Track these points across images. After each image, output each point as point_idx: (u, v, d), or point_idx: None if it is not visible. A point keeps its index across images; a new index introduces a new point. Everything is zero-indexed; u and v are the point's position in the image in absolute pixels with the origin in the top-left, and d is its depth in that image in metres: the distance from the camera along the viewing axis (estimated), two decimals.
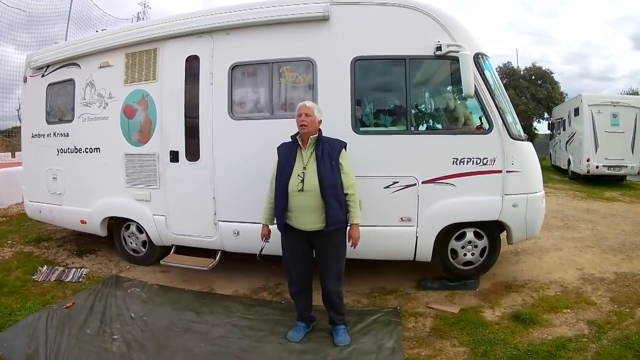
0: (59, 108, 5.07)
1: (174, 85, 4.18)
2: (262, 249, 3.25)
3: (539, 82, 23.13)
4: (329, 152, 2.92)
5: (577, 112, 12.54)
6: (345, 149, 3.02)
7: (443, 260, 4.05)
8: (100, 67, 4.58)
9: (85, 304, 3.81)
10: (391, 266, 4.29)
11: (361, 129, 3.78)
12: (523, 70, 23.76)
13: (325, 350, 3.05)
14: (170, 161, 4.21)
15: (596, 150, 11.68)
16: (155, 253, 4.67)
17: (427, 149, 3.72)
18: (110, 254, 5.18)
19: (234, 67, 3.97)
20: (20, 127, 6.68)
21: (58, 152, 4.99)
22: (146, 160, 4.37)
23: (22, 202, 6.07)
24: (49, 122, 5.10)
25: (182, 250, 4.46)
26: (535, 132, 22.07)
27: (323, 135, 3.02)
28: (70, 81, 4.84)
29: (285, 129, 3.64)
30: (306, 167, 2.91)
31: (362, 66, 3.76)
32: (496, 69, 4.00)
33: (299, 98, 3.84)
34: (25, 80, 5.41)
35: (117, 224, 4.88)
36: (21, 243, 5.85)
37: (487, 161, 3.70)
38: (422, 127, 4.05)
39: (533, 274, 4.42)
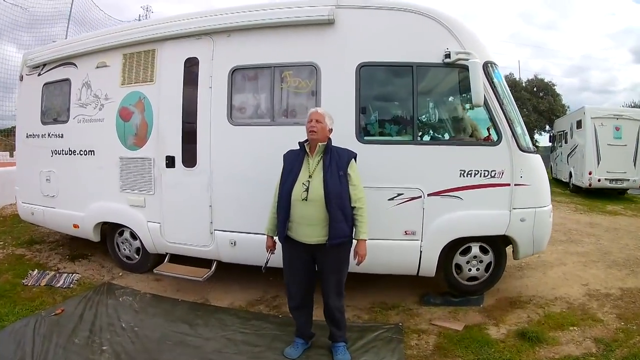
0: (54, 108, 4.97)
1: (171, 88, 4.05)
2: (267, 261, 3.08)
3: (541, 94, 23.18)
4: (337, 161, 2.79)
5: (579, 124, 12.47)
6: (355, 160, 2.88)
7: (447, 275, 3.91)
8: (97, 68, 4.47)
9: (75, 311, 3.69)
10: (393, 280, 4.15)
11: (365, 138, 3.64)
12: (525, 82, 23.80)
13: None
14: (166, 166, 4.07)
15: (598, 163, 11.62)
16: (149, 260, 4.53)
17: (433, 160, 3.59)
18: (104, 259, 5.06)
19: (234, 71, 3.84)
20: None
21: (52, 153, 4.88)
22: (141, 165, 4.24)
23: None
24: (43, 123, 5.00)
25: (177, 258, 4.31)
26: (537, 144, 22.08)
27: (332, 144, 2.88)
28: (66, 81, 4.73)
29: (286, 136, 3.53)
30: (312, 176, 2.77)
31: (367, 73, 3.62)
32: None
33: (302, 104, 3.74)
34: (21, 78, 5.33)
35: (110, 230, 4.75)
36: (13, 245, 5.75)
37: (495, 174, 3.58)
38: (429, 137, 3.92)
39: (538, 290, 4.33)
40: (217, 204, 3.94)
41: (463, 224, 3.62)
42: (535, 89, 23.64)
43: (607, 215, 9.11)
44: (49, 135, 4.91)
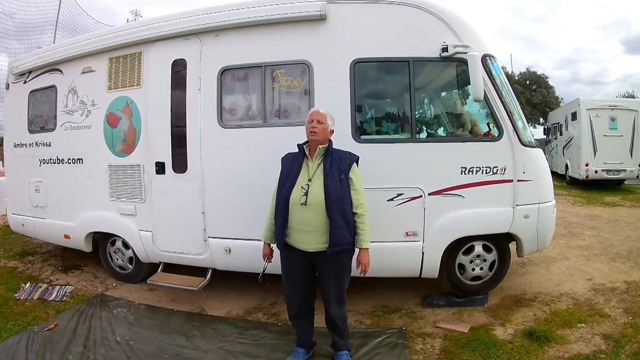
0: (41, 116, 4.83)
1: (159, 92, 3.90)
2: (264, 270, 2.94)
3: (534, 87, 23.16)
4: (338, 164, 2.66)
5: (574, 116, 12.47)
6: (357, 164, 2.76)
7: (450, 275, 3.80)
8: (83, 73, 4.32)
9: (69, 325, 3.57)
10: (394, 282, 4.04)
11: (362, 137, 3.52)
12: (517, 76, 23.79)
13: None
14: (156, 173, 3.94)
15: (595, 155, 11.62)
16: (142, 270, 4.40)
17: (433, 158, 3.47)
18: (97, 269, 4.93)
19: (223, 71, 3.70)
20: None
21: (40, 162, 4.74)
22: (131, 172, 4.10)
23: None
24: (31, 131, 4.85)
25: (172, 267, 4.18)
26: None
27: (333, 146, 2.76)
28: (52, 88, 4.58)
29: (279, 137, 3.44)
30: (312, 179, 2.63)
31: (362, 69, 3.50)
32: None
33: (294, 104, 3.62)
34: (7, 87, 5.18)
35: (102, 239, 4.61)
36: (5, 257, 5.62)
37: (498, 170, 3.48)
38: (428, 135, 3.80)
39: (542, 286, 4.26)
40: (210, 210, 3.80)
41: (466, 223, 3.52)
42: (528, 82, 23.64)
43: (606, 207, 9.13)
44: (36, 144, 4.77)
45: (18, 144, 4.99)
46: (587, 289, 4.17)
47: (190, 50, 3.79)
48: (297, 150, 2.79)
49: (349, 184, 2.65)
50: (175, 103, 3.86)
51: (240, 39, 3.66)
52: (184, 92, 3.82)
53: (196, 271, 4.06)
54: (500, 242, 3.78)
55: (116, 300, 4.09)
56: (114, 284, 4.55)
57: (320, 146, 2.70)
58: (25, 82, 4.86)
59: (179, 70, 3.85)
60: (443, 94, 4.04)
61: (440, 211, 3.47)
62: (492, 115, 3.50)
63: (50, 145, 4.64)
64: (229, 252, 3.77)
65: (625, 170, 11.63)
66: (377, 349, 3.13)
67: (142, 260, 4.30)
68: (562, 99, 22.65)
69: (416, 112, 3.60)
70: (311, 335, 2.99)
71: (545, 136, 16.42)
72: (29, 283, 4.52)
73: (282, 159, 2.83)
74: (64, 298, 4.18)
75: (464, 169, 3.44)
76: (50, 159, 4.65)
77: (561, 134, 14.08)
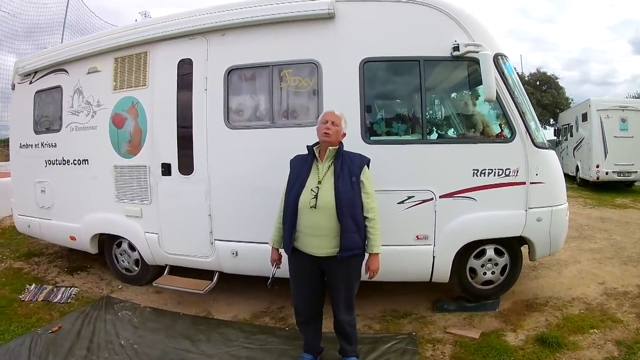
0: (47, 117, 4.80)
1: (165, 92, 3.85)
2: (273, 276, 2.87)
3: (544, 87, 22.96)
4: (349, 166, 2.58)
5: (585, 117, 12.32)
6: (368, 166, 2.68)
7: (461, 280, 3.72)
8: (88, 73, 4.28)
9: (73, 328, 3.53)
10: (403, 286, 3.95)
11: (372, 138, 3.44)
12: (528, 76, 23.59)
13: None
14: (162, 174, 3.89)
15: (605, 156, 11.46)
16: (149, 272, 4.36)
17: (444, 159, 3.39)
18: (103, 271, 4.90)
19: (230, 71, 3.64)
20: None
21: (46, 163, 4.72)
22: (136, 173, 4.05)
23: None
24: (36, 132, 4.83)
25: (178, 270, 4.13)
26: None
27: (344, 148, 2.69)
28: (58, 88, 4.55)
29: (287, 138, 3.39)
30: (321, 182, 2.56)
31: (371, 69, 3.43)
32: None
33: (302, 105, 3.56)
34: (13, 87, 5.17)
35: (108, 241, 4.57)
36: (11, 258, 5.62)
37: (510, 172, 3.40)
38: (439, 136, 3.73)
39: (554, 290, 4.18)
40: (217, 212, 3.75)
41: (477, 226, 3.44)
42: (538, 83, 23.46)
43: (617, 209, 9.00)
44: (42, 144, 4.75)
45: (24, 145, 4.97)
46: (599, 293, 4.10)
47: (196, 49, 3.73)
48: (306, 151, 2.72)
49: (360, 186, 2.57)
50: (182, 103, 3.81)
51: (247, 38, 3.60)
52: (190, 93, 3.76)
53: (203, 274, 4.01)
54: (512, 246, 3.70)
55: (121, 303, 4.05)
56: (119, 286, 4.52)
57: (330, 148, 2.63)
58: (31, 83, 4.83)
59: (185, 70, 3.80)
60: (454, 94, 3.96)
61: (452, 214, 3.40)
62: (504, 115, 3.43)
63: (55, 146, 4.61)
64: (236, 255, 3.71)
65: (636, 171, 11.46)
66: (386, 355, 3.06)
67: (148, 263, 4.26)
68: (572, 100, 22.47)
69: (427, 113, 3.53)
70: (319, 341, 2.92)
71: (555, 137, 16.29)
72: (34, 284, 4.51)
73: (291, 161, 2.76)
74: (69, 300, 4.16)
75: (475, 171, 3.36)
76: (56, 160, 4.62)
77: (572, 135, 13.91)
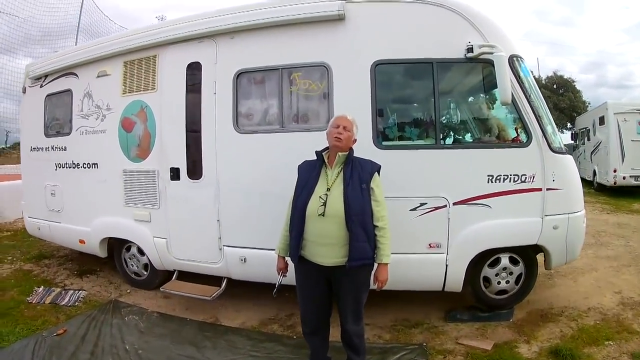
0: (57, 120, 4.82)
1: (174, 96, 3.82)
2: (279, 285, 2.81)
3: (561, 91, 22.68)
4: (359, 173, 2.50)
5: (602, 120, 12.12)
6: (379, 173, 2.60)
7: (475, 289, 3.62)
8: (98, 77, 4.29)
9: (78, 331, 3.51)
10: (416, 294, 3.84)
11: (384, 143, 3.36)
12: (544, 80, 23.31)
13: None
14: (171, 179, 3.85)
15: (623, 160, 11.26)
16: (157, 277, 4.33)
17: (458, 165, 3.29)
18: (112, 275, 4.90)
19: (239, 75, 3.59)
20: None
21: (56, 167, 4.74)
22: (145, 178, 4.03)
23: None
24: (47, 135, 4.87)
25: (187, 275, 4.10)
26: None
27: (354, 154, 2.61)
28: (68, 92, 4.57)
29: (297, 143, 3.32)
30: (330, 189, 2.48)
31: (383, 71, 3.34)
32: None
33: (313, 108, 3.49)
34: (24, 90, 5.20)
35: (117, 245, 4.56)
36: (22, 260, 5.67)
37: (526, 178, 3.29)
38: (453, 140, 3.62)
39: (570, 300, 4.05)
40: (226, 218, 3.70)
41: (492, 234, 3.33)
42: (555, 86, 23.18)
43: (634, 215, 8.79)
44: (52, 148, 4.77)
45: (34, 148, 5.00)
46: (615, 302, 3.98)
47: (205, 53, 3.69)
48: (315, 157, 2.65)
49: (370, 194, 2.49)
50: (191, 107, 3.78)
51: (256, 41, 3.55)
52: (199, 96, 3.73)
53: (211, 279, 3.96)
54: (528, 254, 3.58)
55: (129, 307, 4.03)
56: (128, 290, 4.50)
57: (340, 153, 2.55)
58: (41, 86, 4.86)
59: (194, 73, 3.77)
60: (468, 97, 3.85)
61: (466, 222, 3.29)
62: (520, 119, 3.32)
63: (65, 149, 4.63)
64: (245, 261, 3.66)
65: None
66: None
67: (156, 268, 4.23)
68: (589, 104, 22.15)
69: (440, 117, 3.44)
70: (326, 351, 2.84)
71: (573, 141, 16.03)
72: (42, 286, 4.53)
73: (299, 166, 2.69)
74: (76, 303, 4.15)
75: (490, 177, 3.26)
76: (66, 164, 4.63)
77: (589, 139, 13.69)
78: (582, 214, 3.56)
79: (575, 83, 23.57)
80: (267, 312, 3.87)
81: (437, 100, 3.29)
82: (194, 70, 3.77)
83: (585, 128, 14.22)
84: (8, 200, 7.98)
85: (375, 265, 2.55)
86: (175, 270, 4.12)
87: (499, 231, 3.32)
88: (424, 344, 3.26)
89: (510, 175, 3.27)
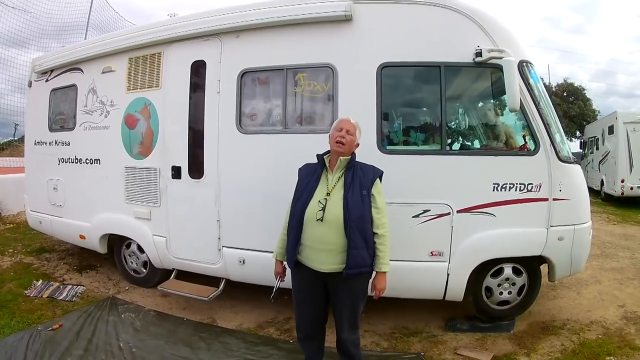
0: (62, 115, 4.81)
1: (178, 94, 3.80)
2: (276, 289, 2.77)
3: (571, 99, 22.52)
4: (360, 178, 2.44)
5: (611, 130, 12.00)
6: (381, 180, 2.53)
7: (476, 299, 3.54)
8: (103, 73, 4.27)
9: (73, 327, 3.50)
10: (416, 302, 3.79)
11: (388, 147, 3.30)
12: (555, 87, 23.15)
13: None
14: (172, 177, 3.83)
15: (631, 171, 11.11)
16: (156, 275, 4.31)
17: (464, 172, 3.22)
18: (112, 271, 4.89)
19: (243, 74, 3.55)
20: None
21: (59, 161, 4.73)
22: (147, 175, 4.01)
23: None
24: (51, 130, 4.86)
25: (186, 274, 4.07)
26: None
27: (357, 159, 2.56)
28: (73, 87, 4.56)
29: (300, 145, 3.26)
30: (330, 193, 2.42)
31: (389, 74, 3.28)
32: None
33: (317, 110, 3.44)
34: (30, 84, 5.22)
35: (117, 242, 4.55)
36: (22, 253, 5.68)
37: (532, 187, 3.21)
38: (459, 147, 3.57)
39: (572, 312, 3.98)
40: (226, 218, 3.66)
41: (496, 244, 3.26)
42: (565, 94, 23.02)
43: None
44: (56, 142, 4.77)
45: (38, 142, 5.01)
46: (618, 316, 3.90)
47: (210, 51, 3.66)
48: (316, 160, 2.59)
49: (371, 200, 2.43)
50: (194, 106, 3.75)
51: (261, 40, 3.50)
52: (202, 95, 3.69)
53: (210, 280, 3.93)
54: (532, 265, 3.51)
55: (126, 305, 4.01)
56: (126, 288, 4.49)
57: (341, 158, 2.49)
58: (47, 81, 4.86)
59: (198, 72, 3.74)
60: (476, 102, 3.78)
61: (469, 230, 3.23)
62: (528, 127, 3.24)
63: (69, 144, 4.62)
64: (243, 263, 3.62)
65: None
66: None
67: (155, 266, 4.21)
68: (599, 112, 21.97)
69: (447, 122, 3.37)
70: (321, 358, 2.77)
71: (581, 150, 15.88)
72: (41, 280, 4.53)
73: (300, 169, 2.64)
74: (74, 298, 4.15)
75: (496, 186, 3.19)
76: (69, 158, 4.63)
77: (597, 148, 13.56)
78: (588, 225, 3.49)
79: (585, 91, 23.44)
80: (265, 315, 3.83)
81: (444, 105, 3.22)
82: (198, 68, 3.73)
83: (594, 137, 14.08)
84: (12, 193, 8.00)
85: (374, 273, 2.49)
86: (174, 269, 4.09)
87: (503, 241, 3.25)
88: (422, 354, 3.21)
89: (517, 184, 3.20)
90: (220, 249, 3.72)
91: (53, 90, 4.80)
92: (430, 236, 3.24)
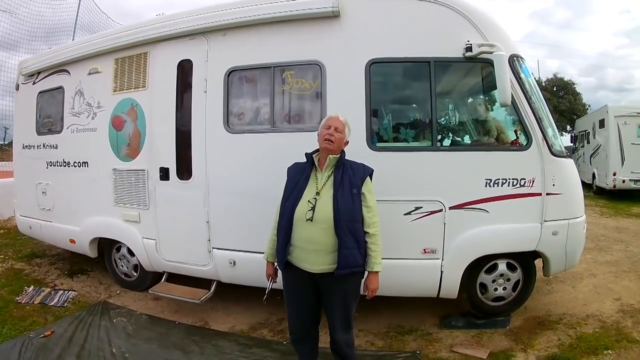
0: (49, 118, 4.74)
1: (164, 94, 3.74)
2: (268, 291, 2.73)
3: (561, 93, 22.63)
4: (350, 177, 2.40)
5: (602, 123, 12.03)
6: (371, 178, 2.50)
7: (471, 296, 3.52)
8: (89, 74, 4.21)
9: (65, 333, 3.45)
10: (411, 300, 3.74)
11: (378, 144, 3.26)
12: (544, 82, 23.24)
13: None
14: (160, 179, 3.77)
15: (622, 164, 11.14)
16: (147, 278, 4.25)
17: (455, 168, 3.19)
18: (103, 275, 4.83)
19: (230, 73, 3.49)
20: None
21: (48, 165, 4.67)
22: (135, 177, 3.95)
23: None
24: (39, 133, 4.80)
25: (177, 276, 4.01)
26: None
27: (346, 157, 2.51)
28: (60, 89, 4.50)
29: (288, 144, 3.23)
30: (320, 193, 2.38)
31: (378, 70, 3.24)
32: None
33: (305, 108, 3.40)
34: (17, 87, 5.14)
35: (107, 245, 4.49)
36: (13, 258, 5.61)
37: (525, 182, 3.19)
38: (450, 142, 3.52)
39: (568, 306, 3.97)
40: (215, 219, 3.61)
41: (489, 240, 3.23)
42: (555, 89, 23.12)
43: (634, 219, 8.71)
44: (44, 146, 4.70)
45: (26, 146, 4.94)
46: (614, 310, 3.89)
47: (196, 50, 3.60)
48: (305, 159, 2.55)
49: (361, 199, 2.39)
50: (181, 106, 3.70)
51: (248, 38, 3.45)
52: (189, 95, 3.64)
53: (202, 282, 3.88)
54: (526, 260, 3.49)
55: (118, 309, 3.96)
56: (118, 292, 4.43)
57: (330, 156, 2.45)
58: (34, 83, 4.80)
59: (185, 71, 3.68)
60: (467, 97, 3.75)
61: (462, 227, 3.19)
62: (520, 122, 3.22)
63: (57, 147, 4.56)
64: (234, 264, 3.57)
65: None
66: None
67: (145, 269, 4.15)
68: (589, 106, 22.09)
69: (437, 118, 3.33)
70: (315, 359, 2.74)
71: (572, 144, 15.92)
72: (32, 286, 4.46)
73: (289, 169, 2.59)
74: (66, 304, 4.09)
75: (488, 181, 3.16)
76: (57, 162, 4.56)
77: (588, 142, 13.62)
78: (582, 219, 3.47)
79: (575, 86, 23.55)
80: (257, 316, 3.78)
81: (434, 100, 3.19)
82: (185, 68, 3.68)
83: (585, 131, 14.15)
84: (2, 198, 7.90)
85: (366, 273, 2.44)
86: (164, 272, 4.04)
87: (497, 237, 3.23)
88: (418, 352, 3.17)
89: (509, 179, 3.17)
90: (210, 251, 3.66)
91: (40, 92, 4.73)
92: (422, 233, 3.21)
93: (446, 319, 3.65)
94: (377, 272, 2.42)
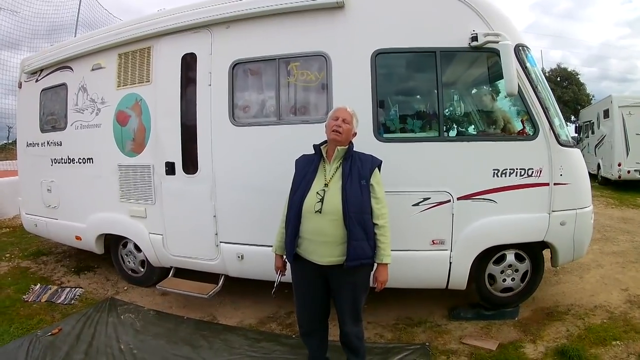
0: (53, 115, 4.72)
1: (169, 88, 3.71)
2: (277, 284, 2.72)
3: (565, 83, 22.53)
4: (359, 168, 2.38)
5: (606, 114, 11.97)
6: (380, 169, 2.48)
7: (479, 287, 3.51)
8: (93, 70, 4.18)
9: (73, 331, 3.45)
10: (419, 292, 3.74)
11: (385, 135, 3.24)
12: (548, 72, 23.16)
13: None
14: (166, 174, 3.75)
15: (627, 154, 11.09)
16: (154, 274, 4.24)
17: (463, 158, 3.17)
18: (110, 272, 4.83)
19: (235, 65, 3.47)
20: None
21: (52, 162, 4.66)
22: (140, 173, 3.93)
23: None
24: (43, 130, 4.77)
25: (184, 271, 4.01)
26: None
27: (354, 149, 2.50)
28: (63, 86, 4.48)
29: (294, 136, 3.21)
30: (328, 184, 2.37)
31: (384, 61, 3.21)
32: None
33: (311, 100, 3.38)
34: (20, 85, 5.13)
35: (114, 242, 4.49)
36: (19, 257, 5.62)
37: (533, 172, 3.17)
38: (457, 133, 3.50)
39: (576, 297, 3.96)
40: (222, 213, 3.60)
41: (497, 231, 3.22)
42: (559, 79, 23.03)
43: (639, 209, 8.67)
44: (48, 143, 4.69)
45: (31, 143, 4.93)
46: (622, 300, 3.88)
47: (200, 43, 3.58)
48: (312, 151, 2.53)
49: (370, 190, 2.37)
50: (186, 100, 3.67)
51: (252, 31, 3.42)
52: (194, 88, 3.62)
53: (209, 277, 3.87)
54: (534, 251, 3.47)
55: (125, 305, 3.96)
56: (125, 288, 4.43)
57: (339, 148, 2.43)
58: (37, 81, 4.78)
59: (189, 65, 3.66)
60: (473, 87, 3.72)
61: (470, 217, 3.18)
62: (526, 111, 3.19)
63: (61, 144, 4.54)
64: (242, 258, 3.56)
65: None
66: None
67: (152, 265, 4.15)
68: (593, 97, 21.96)
69: (444, 108, 3.31)
70: (324, 353, 2.73)
71: (576, 135, 15.85)
72: (39, 284, 4.47)
73: (297, 161, 2.58)
74: (73, 301, 4.09)
75: (496, 171, 3.14)
76: (62, 159, 4.55)
77: (593, 133, 13.54)
78: (590, 209, 3.45)
79: (579, 76, 23.45)
80: (266, 310, 3.78)
81: (441, 91, 3.17)
82: (189, 61, 3.65)
83: (590, 121, 14.06)
84: (8, 196, 7.94)
85: (375, 265, 2.43)
86: (172, 267, 4.03)
87: (505, 227, 3.21)
88: (427, 344, 3.17)
89: (517, 169, 3.15)
90: (217, 245, 3.66)
91: (43, 90, 4.71)
92: (431, 225, 3.19)
93: (455, 310, 3.64)
94: (387, 264, 2.40)
